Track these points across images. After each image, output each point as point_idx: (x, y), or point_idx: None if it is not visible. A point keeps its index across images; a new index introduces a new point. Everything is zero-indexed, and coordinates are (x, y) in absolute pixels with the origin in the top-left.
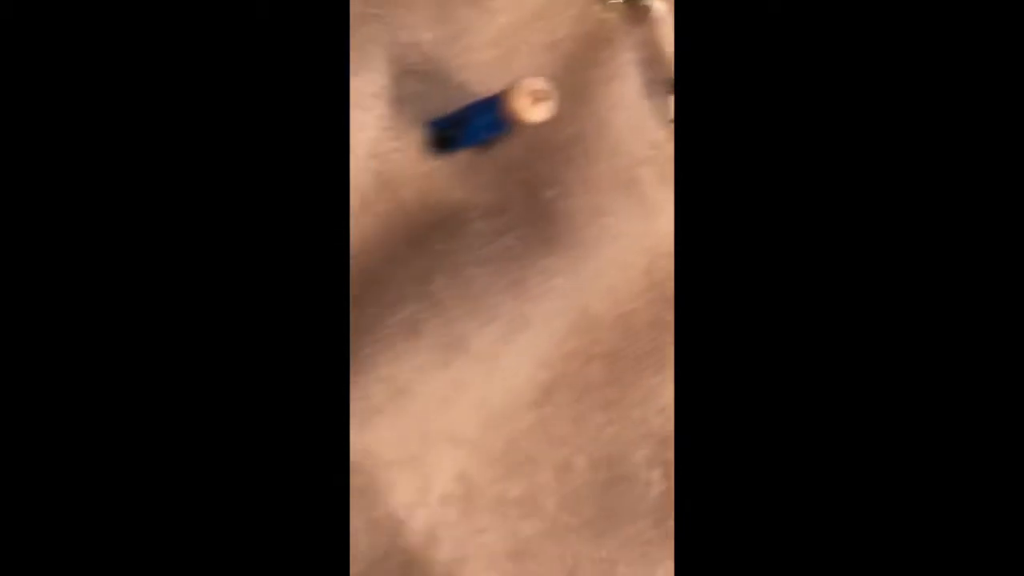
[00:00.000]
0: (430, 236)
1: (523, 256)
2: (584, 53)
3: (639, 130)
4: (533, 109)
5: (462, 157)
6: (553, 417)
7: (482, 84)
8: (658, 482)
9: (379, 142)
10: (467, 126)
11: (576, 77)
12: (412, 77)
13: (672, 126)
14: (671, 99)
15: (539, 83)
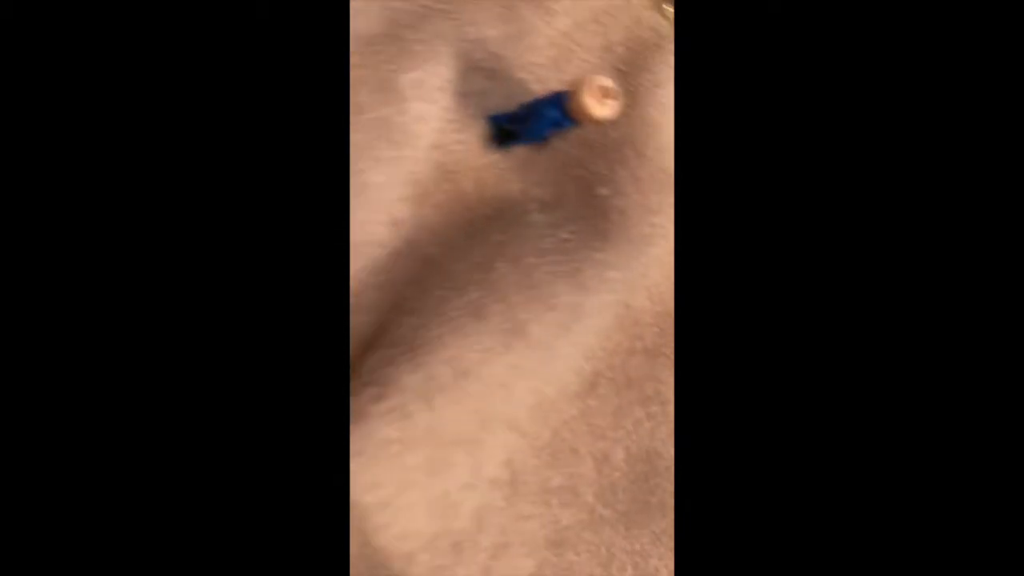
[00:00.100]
0: (488, 227)
1: (578, 249)
2: (636, 57)
3: None
4: (601, 106)
5: (519, 153)
6: (596, 409)
7: (540, 83)
8: None
9: (442, 134)
10: (532, 121)
11: (628, 80)
12: (478, 73)
13: None
14: None
15: (607, 80)
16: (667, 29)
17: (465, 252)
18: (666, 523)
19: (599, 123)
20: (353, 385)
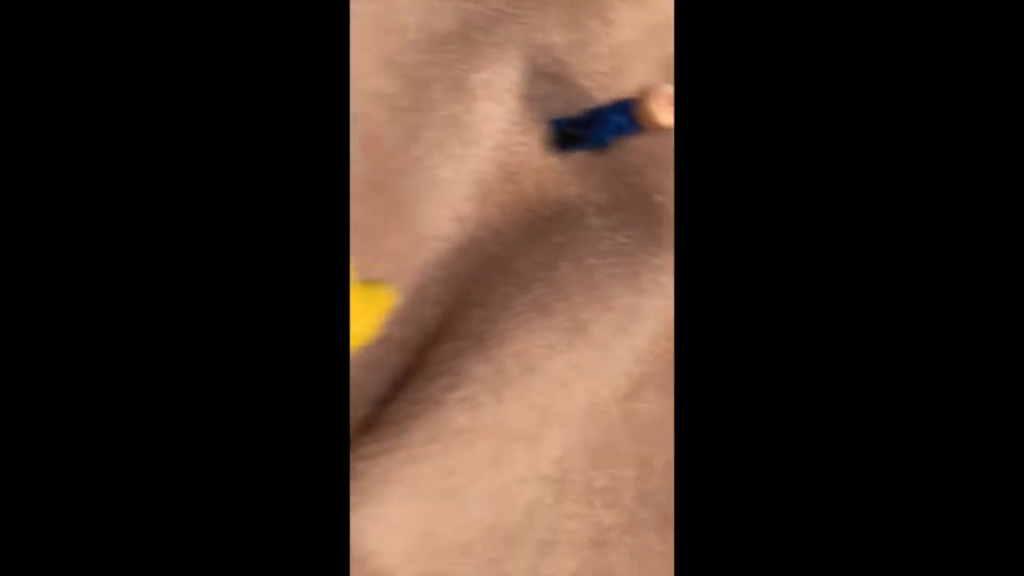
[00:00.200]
0: (548, 228)
1: (635, 253)
2: None
3: None
4: (667, 113)
5: (577, 158)
6: (641, 413)
7: (601, 90)
8: None
9: (507, 135)
10: (597, 126)
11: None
12: (543, 78)
13: None
14: None
15: (672, 88)
16: None
17: (527, 251)
18: None
19: (663, 130)
20: (422, 374)
